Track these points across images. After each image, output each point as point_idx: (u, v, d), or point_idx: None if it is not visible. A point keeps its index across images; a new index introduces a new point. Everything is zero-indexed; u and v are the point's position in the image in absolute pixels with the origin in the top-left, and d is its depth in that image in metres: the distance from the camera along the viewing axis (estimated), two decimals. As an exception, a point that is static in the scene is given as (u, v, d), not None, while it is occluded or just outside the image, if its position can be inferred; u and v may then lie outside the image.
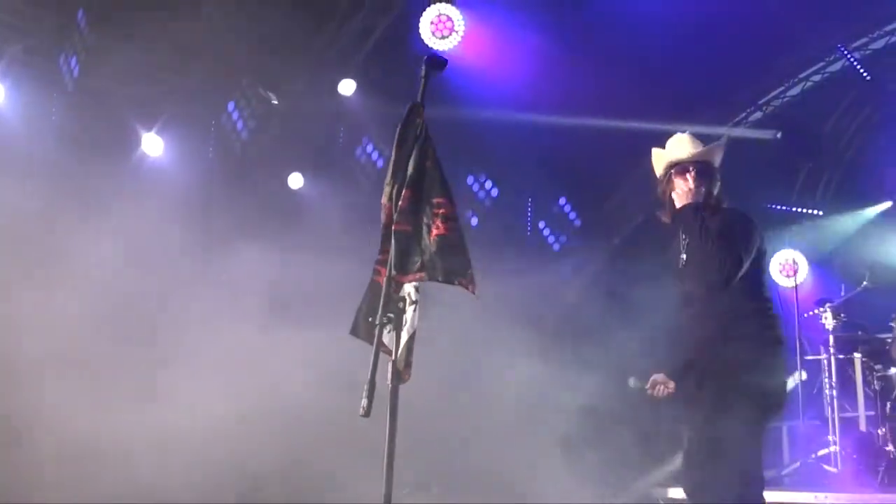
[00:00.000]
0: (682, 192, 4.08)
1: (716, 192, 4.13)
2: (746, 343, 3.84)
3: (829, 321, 7.24)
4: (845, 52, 10.96)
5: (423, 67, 3.69)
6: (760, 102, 11.82)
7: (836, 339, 7.32)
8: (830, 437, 7.24)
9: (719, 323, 3.91)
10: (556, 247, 11.34)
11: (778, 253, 10.03)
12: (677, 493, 7.48)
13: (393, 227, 3.50)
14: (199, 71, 8.37)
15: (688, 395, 3.92)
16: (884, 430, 6.94)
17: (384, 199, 3.58)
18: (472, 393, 7.59)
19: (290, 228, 8.46)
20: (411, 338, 3.36)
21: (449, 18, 8.46)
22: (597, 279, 11.22)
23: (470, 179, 10.44)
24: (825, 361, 7.52)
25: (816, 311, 7.46)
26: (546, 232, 11.40)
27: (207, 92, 8.67)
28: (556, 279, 11.36)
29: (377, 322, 3.34)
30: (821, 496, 6.25)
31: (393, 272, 3.44)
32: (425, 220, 3.50)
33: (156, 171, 8.55)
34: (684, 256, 3.99)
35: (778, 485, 6.84)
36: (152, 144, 8.43)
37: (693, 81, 10.18)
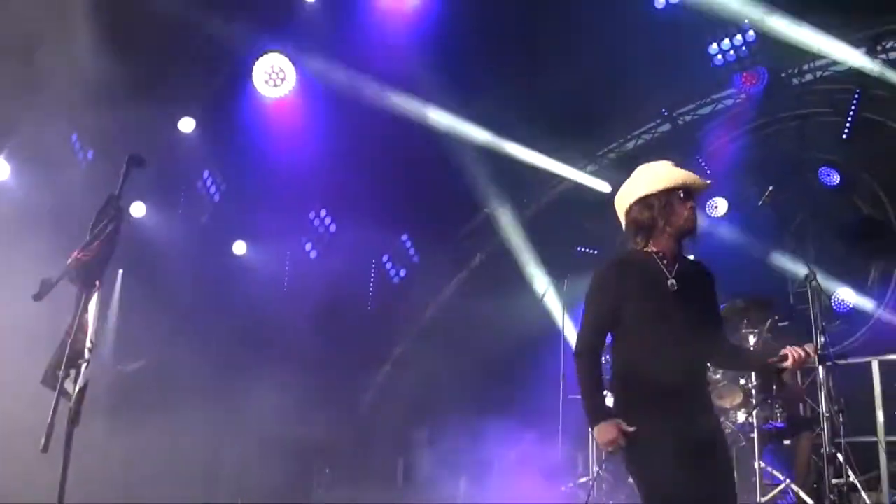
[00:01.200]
0: (680, 218, 3.83)
1: None
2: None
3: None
4: (672, 116, 12.06)
5: (125, 165, 4.39)
6: (599, 154, 12.88)
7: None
8: (593, 468, 8.11)
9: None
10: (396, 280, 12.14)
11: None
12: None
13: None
14: (45, 101, 8.89)
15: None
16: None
17: (77, 278, 4.30)
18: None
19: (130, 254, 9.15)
20: (83, 389, 4.08)
21: (282, 69, 9.19)
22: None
23: (311, 214, 11.15)
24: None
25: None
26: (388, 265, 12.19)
27: (52, 121, 9.20)
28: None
29: (60, 374, 4.05)
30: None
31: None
32: None
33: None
34: (673, 282, 3.78)
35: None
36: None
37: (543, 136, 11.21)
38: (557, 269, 9.80)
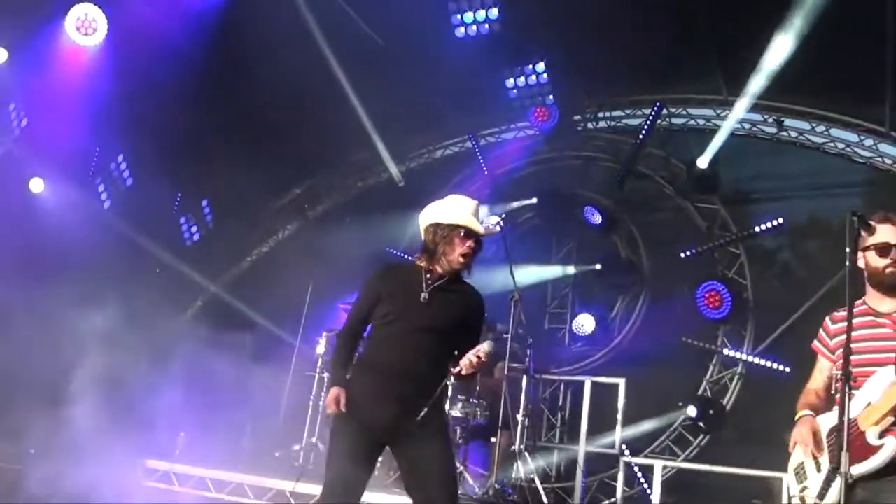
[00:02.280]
0: (454, 253, 4.28)
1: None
2: None
3: (321, 346, 8.99)
4: (472, 136, 13.14)
5: None
6: (409, 156, 13.83)
7: (324, 361, 9.08)
8: (310, 438, 8.91)
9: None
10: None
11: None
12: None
13: None
14: None
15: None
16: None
17: None
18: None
19: None
20: None
21: (94, 20, 9.56)
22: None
23: (112, 165, 11.50)
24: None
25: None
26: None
27: None
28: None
29: None
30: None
31: None
32: None
33: None
34: (426, 296, 4.23)
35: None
36: None
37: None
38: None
